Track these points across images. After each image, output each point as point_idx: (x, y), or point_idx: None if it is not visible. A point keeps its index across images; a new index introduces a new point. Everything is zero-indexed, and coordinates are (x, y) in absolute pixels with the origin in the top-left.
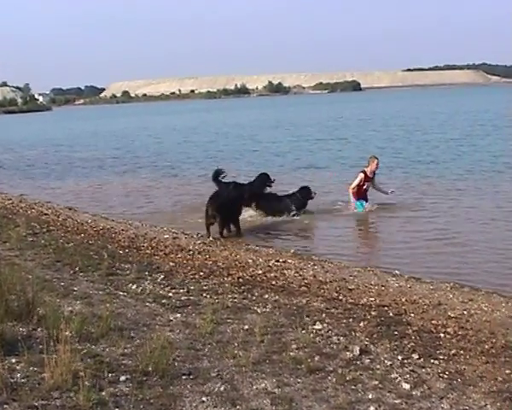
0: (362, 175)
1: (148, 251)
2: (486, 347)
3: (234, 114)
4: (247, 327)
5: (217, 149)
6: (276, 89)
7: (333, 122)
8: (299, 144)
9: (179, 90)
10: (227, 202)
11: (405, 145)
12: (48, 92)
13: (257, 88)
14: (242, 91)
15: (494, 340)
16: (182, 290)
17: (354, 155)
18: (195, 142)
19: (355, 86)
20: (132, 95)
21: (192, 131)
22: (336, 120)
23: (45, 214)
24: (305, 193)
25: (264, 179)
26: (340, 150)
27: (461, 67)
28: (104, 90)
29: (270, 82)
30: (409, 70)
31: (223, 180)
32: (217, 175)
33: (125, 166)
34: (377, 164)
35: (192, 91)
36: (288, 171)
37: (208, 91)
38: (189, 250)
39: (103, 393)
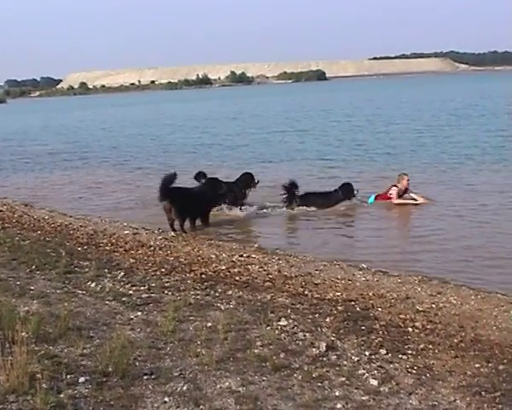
0: (395, 189)
1: (107, 248)
2: (455, 341)
3: (193, 105)
4: (210, 324)
5: (172, 143)
6: (239, 79)
7: (294, 113)
8: (258, 137)
9: (139, 81)
10: (185, 197)
11: (366, 136)
12: (2, 84)
13: (219, 78)
14: (204, 82)
15: (463, 334)
16: (143, 288)
17: (313, 147)
18: (150, 135)
19: (320, 76)
20: (90, 86)
21: (148, 124)
22: (298, 111)
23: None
24: (346, 190)
25: (247, 179)
26: (302, 142)
27: (428, 56)
28: (61, 81)
29: (232, 72)
30: (375, 58)
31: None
32: (198, 177)
33: (78, 161)
34: (408, 180)
35: (152, 82)
36: (242, 165)
37: (169, 82)
38: (150, 246)
39: (61, 395)
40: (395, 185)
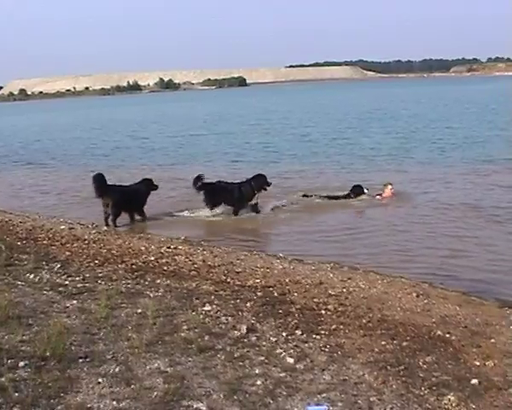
0: (379, 198)
1: (45, 242)
2: (364, 321)
3: (121, 109)
4: (140, 311)
5: (93, 146)
6: (167, 85)
7: (213, 117)
8: (174, 140)
9: (74, 88)
10: (120, 192)
11: (274, 139)
12: None
13: (148, 85)
14: (134, 88)
15: (371, 315)
16: (78, 278)
17: (223, 149)
18: (76, 138)
19: (241, 82)
20: (29, 93)
21: (74, 128)
22: (217, 115)
23: None
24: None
25: (261, 181)
26: (215, 144)
27: (339, 64)
28: (1, 88)
29: (161, 79)
30: (291, 66)
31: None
32: (198, 180)
33: (4, 165)
34: (391, 189)
35: (87, 89)
36: (155, 167)
37: (102, 88)
38: (85, 240)
39: (3, 379)
40: (379, 194)
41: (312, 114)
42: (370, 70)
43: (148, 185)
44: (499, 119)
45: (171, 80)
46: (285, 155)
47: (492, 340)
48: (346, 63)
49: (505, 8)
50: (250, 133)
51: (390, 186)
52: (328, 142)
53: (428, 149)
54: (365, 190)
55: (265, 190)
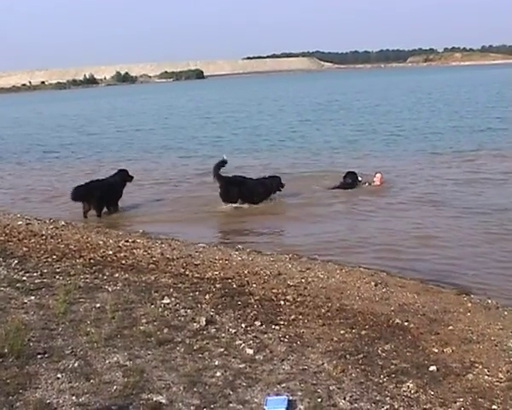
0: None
1: (1, 238)
2: (323, 311)
3: (74, 104)
4: (98, 305)
5: (40, 142)
6: (124, 78)
7: (165, 110)
8: (122, 135)
9: (29, 82)
10: (91, 187)
11: (224, 132)
12: None
13: (105, 78)
14: (91, 82)
15: (330, 304)
16: (35, 274)
17: (170, 144)
18: (24, 134)
19: (198, 74)
20: None
21: (26, 124)
22: (170, 109)
23: None
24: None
25: (276, 182)
26: (171, 139)
27: (296, 55)
28: None
29: (117, 72)
30: (249, 58)
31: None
32: (218, 168)
33: None
34: (381, 178)
35: (43, 83)
36: (102, 163)
37: (58, 82)
38: (42, 235)
39: None
40: (369, 183)
41: (266, 106)
42: (327, 61)
43: (123, 177)
44: (451, 109)
45: (127, 73)
46: (232, 149)
47: (450, 327)
48: (304, 54)
49: None
50: (200, 127)
51: (379, 175)
52: (278, 135)
53: (379, 140)
54: (359, 178)
55: (280, 190)
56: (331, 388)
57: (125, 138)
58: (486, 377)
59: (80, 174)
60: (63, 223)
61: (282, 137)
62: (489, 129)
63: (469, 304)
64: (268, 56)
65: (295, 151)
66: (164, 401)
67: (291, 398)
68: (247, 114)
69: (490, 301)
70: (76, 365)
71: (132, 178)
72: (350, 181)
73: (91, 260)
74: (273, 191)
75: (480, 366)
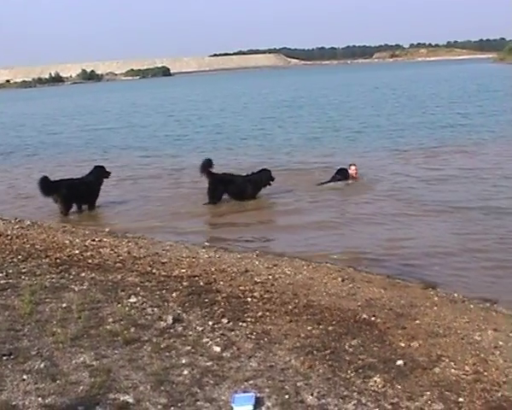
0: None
1: None
2: (290, 307)
3: (38, 102)
4: (65, 305)
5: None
6: (90, 76)
7: (129, 109)
8: (83, 134)
9: None
10: (67, 185)
11: (185, 130)
12: None
13: (71, 76)
14: (57, 80)
15: (297, 300)
16: (0, 274)
17: (130, 143)
18: None
19: (165, 72)
20: None
21: None
22: (133, 107)
23: None
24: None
25: (265, 176)
26: (132, 137)
27: (263, 52)
28: None
29: (83, 70)
30: (215, 55)
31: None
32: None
33: None
34: (355, 169)
35: (7, 81)
36: (62, 164)
37: (23, 81)
38: (7, 235)
39: None
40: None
41: (230, 104)
42: (294, 57)
43: (98, 174)
44: (415, 105)
45: (93, 71)
46: (193, 148)
47: (417, 321)
48: (270, 51)
49: None
50: (162, 125)
51: (353, 167)
52: (239, 133)
53: (343, 137)
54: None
55: (270, 185)
56: (298, 384)
57: (86, 137)
58: (453, 370)
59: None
60: (29, 222)
61: (244, 135)
62: (451, 125)
63: (436, 298)
64: (234, 53)
65: (255, 149)
66: (131, 400)
67: (258, 395)
68: (211, 112)
69: (456, 295)
70: (42, 366)
71: (109, 173)
72: (339, 177)
73: (57, 260)
74: (263, 186)
75: (447, 360)
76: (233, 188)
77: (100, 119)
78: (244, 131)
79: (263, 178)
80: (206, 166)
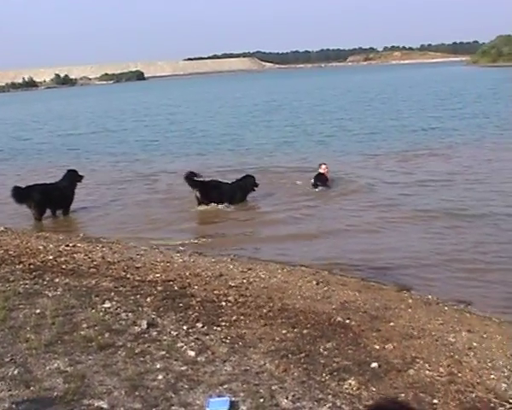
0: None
1: None
2: (265, 311)
3: (14, 107)
4: (38, 311)
5: None
6: (64, 81)
7: (101, 114)
8: (53, 140)
9: None
10: (41, 191)
11: (156, 135)
12: None
13: (45, 81)
14: (30, 85)
15: (272, 304)
16: None
17: (98, 149)
18: None
19: (139, 76)
20: None
21: None
22: (104, 112)
23: None
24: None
25: (250, 182)
26: (101, 143)
27: (237, 56)
28: None
29: (57, 74)
30: (189, 59)
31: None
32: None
33: None
34: (325, 168)
35: None
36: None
37: None
38: None
39: None
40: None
41: (202, 108)
42: (268, 61)
43: (72, 179)
44: (388, 109)
45: (67, 76)
46: (164, 152)
47: (391, 323)
48: (245, 55)
49: None
50: (133, 130)
51: (324, 166)
52: (210, 138)
53: (315, 141)
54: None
55: (254, 190)
56: (273, 388)
57: (57, 143)
58: (427, 371)
59: (9, 182)
60: (2, 228)
61: (215, 139)
62: (424, 129)
63: (410, 300)
64: (209, 57)
65: (225, 154)
66: (105, 406)
67: (233, 399)
68: (183, 117)
69: (430, 297)
70: (16, 372)
71: (82, 177)
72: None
73: (31, 266)
74: (248, 192)
75: (421, 361)
76: (222, 195)
77: (72, 124)
78: (215, 135)
79: (247, 183)
80: (191, 176)
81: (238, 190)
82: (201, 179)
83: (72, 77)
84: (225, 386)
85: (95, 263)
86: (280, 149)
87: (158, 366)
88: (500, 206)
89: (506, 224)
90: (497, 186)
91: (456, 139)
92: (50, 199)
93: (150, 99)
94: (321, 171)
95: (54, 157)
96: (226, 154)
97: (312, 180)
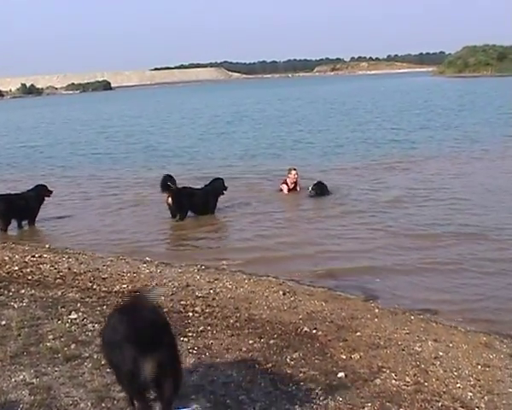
0: (285, 186)
1: None
2: (231, 321)
3: None
4: (4, 323)
5: None
6: (29, 91)
7: (61, 125)
8: (5, 152)
9: None
10: (5, 200)
11: (117, 145)
12: None
13: (10, 90)
14: None
15: (238, 314)
16: None
17: (51, 161)
18: None
19: (105, 85)
20: None
21: None
22: (65, 123)
23: None
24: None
25: (220, 185)
26: (55, 156)
27: (204, 66)
28: None
29: (23, 84)
30: (156, 69)
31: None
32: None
33: None
34: (295, 175)
35: None
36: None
37: None
38: None
39: None
40: (285, 181)
41: (163, 119)
42: (235, 71)
43: (39, 192)
44: (352, 121)
45: (33, 85)
46: (128, 165)
47: (358, 333)
48: (212, 65)
49: (366, 9)
50: (90, 142)
51: (294, 171)
52: (167, 151)
53: (269, 153)
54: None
55: (223, 194)
56: (240, 398)
57: (6, 156)
58: (394, 381)
59: None
60: None
61: (171, 153)
62: (388, 140)
63: (376, 310)
64: (176, 67)
65: (175, 166)
66: None
67: None
68: (140, 128)
69: (397, 307)
70: None
71: (51, 192)
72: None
73: None
74: (219, 195)
75: (388, 371)
76: (196, 201)
77: (28, 136)
78: (172, 149)
79: (217, 186)
80: (167, 181)
81: (211, 195)
82: (175, 186)
83: (38, 86)
84: (192, 397)
85: (61, 274)
86: (239, 162)
87: None
88: (462, 218)
89: (470, 236)
90: (459, 200)
91: (422, 152)
92: (15, 209)
93: (112, 110)
94: (290, 176)
95: (4, 171)
96: (175, 166)
97: (310, 188)
